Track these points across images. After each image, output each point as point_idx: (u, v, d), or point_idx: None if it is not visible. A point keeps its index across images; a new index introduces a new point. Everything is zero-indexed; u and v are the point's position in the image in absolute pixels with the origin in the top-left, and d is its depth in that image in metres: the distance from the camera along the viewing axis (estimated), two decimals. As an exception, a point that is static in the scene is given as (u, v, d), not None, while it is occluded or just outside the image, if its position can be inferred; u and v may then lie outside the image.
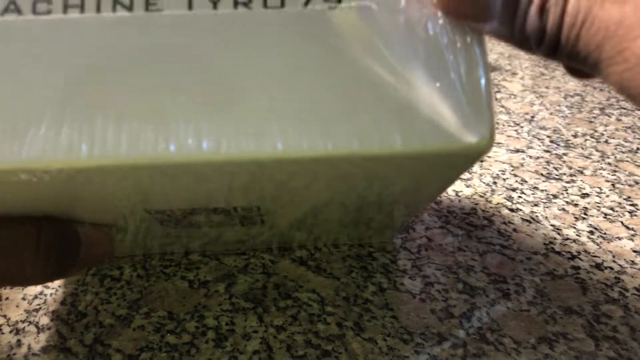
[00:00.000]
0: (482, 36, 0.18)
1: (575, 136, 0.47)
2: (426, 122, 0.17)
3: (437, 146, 0.17)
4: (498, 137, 0.46)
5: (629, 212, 0.37)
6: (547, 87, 0.60)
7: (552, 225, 0.35)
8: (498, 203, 0.37)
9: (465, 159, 0.18)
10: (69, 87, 0.17)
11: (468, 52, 0.17)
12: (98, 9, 0.18)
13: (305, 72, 0.17)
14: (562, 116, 0.51)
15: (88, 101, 0.17)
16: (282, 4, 0.18)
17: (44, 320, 0.28)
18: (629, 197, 0.38)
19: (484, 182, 0.39)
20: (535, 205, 0.37)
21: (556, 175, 0.41)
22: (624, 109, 0.54)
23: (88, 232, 0.23)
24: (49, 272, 0.22)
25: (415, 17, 0.17)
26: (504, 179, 0.40)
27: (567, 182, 0.40)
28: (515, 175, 0.40)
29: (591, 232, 0.34)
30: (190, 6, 0.18)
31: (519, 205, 0.37)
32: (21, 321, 0.28)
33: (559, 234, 0.34)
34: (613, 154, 0.44)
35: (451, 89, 0.17)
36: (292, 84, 0.17)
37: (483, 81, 0.17)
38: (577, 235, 0.34)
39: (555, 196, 0.38)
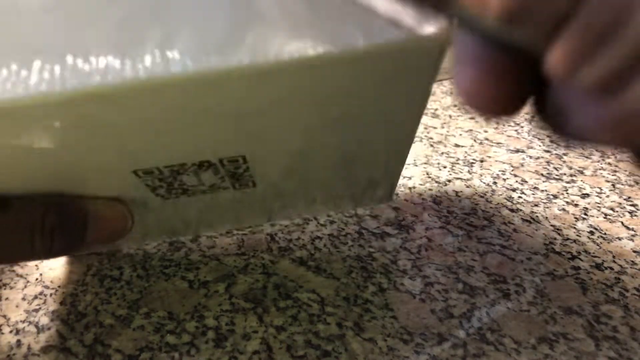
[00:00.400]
0: None
1: (575, 136, 0.47)
2: (385, 22, 0.17)
3: (397, 41, 0.17)
4: (498, 137, 0.46)
5: (629, 212, 0.37)
6: (547, 87, 0.59)
7: (552, 225, 0.35)
8: (498, 203, 0.37)
9: (425, 55, 0.18)
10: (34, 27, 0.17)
11: None
12: None
13: None
14: (562, 116, 0.51)
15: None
16: None
17: (44, 321, 0.28)
18: (629, 197, 0.38)
19: (484, 182, 0.39)
20: (536, 205, 0.37)
21: (556, 175, 0.41)
22: (624, 109, 0.54)
23: (98, 209, 0.24)
24: (56, 249, 0.23)
25: None
26: (504, 179, 0.40)
27: (567, 182, 0.40)
28: (516, 176, 0.40)
29: (591, 233, 0.34)
30: None
31: (519, 206, 0.37)
32: (21, 321, 0.28)
33: (559, 234, 0.34)
34: (613, 154, 0.44)
35: None
36: None
37: None
38: (577, 235, 0.34)
39: (555, 196, 0.38)
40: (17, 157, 0.20)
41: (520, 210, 0.36)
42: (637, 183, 0.40)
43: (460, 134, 0.46)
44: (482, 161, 0.42)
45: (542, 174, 0.41)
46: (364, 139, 0.25)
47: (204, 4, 0.18)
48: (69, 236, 0.23)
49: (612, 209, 0.37)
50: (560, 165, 0.42)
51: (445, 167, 0.41)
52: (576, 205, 0.37)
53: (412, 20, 0.17)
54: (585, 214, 0.36)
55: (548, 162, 0.42)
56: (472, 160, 0.42)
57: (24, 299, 0.29)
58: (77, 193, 0.23)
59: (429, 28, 0.17)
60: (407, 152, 0.28)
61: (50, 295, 0.29)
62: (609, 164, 0.43)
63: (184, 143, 0.21)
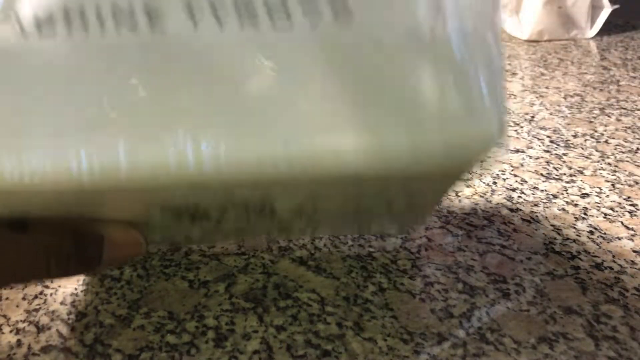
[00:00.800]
0: (499, 31, 0.18)
1: (575, 136, 0.47)
2: (433, 114, 0.17)
3: (441, 137, 0.17)
4: (498, 137, 0.46)
5: (629, 212, 0.37)
6: (547, 87, 0.60)
7: (552, 225, 0.35)
8: (498, 203, 0.37)
9: (476, 152, 0.19)
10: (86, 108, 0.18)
11: (484, 47, 0.17)
12: (102, 30, 0.18)
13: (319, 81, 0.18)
14: (562, 116, 0.51)
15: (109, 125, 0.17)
16: (291, 28, 0.18)
17: (44, 320, 0.28)
18: (629, 197, 0.38)
19: (484, 182, 0.39)
20: (535, 205, 0.37)
21: (556, 175, 0.41)
22: (624, 109, 0.54)
23: (113, 234, 0.24)
24: (71, 272, 0.24)
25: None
26: (504, 179, 0.40)
27: (567, 182, 0.40)
28: (515, 176, 0.40)
29: (591, 232, 0.34)
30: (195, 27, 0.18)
31: (518, 205, 0.37)
32: (21, 321, 0.28)
33: (558, 234, 0.34)
34: (613, 154, 0.44)
35: (466, 84, 0.17)
36: (308, 93, 0.18)
37: (498, 76, 0.17)
38: (577, 235, 0.34)
39: (555, 196, 0.38)
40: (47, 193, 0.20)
41: (520, 210, 0.36)
42: (636, 183, 0.40)
43: (460, 134, 0.46)
44: (482, 161, 0.42)
45: (541, 174, 0.41)
46: (391, 204, 0.25)
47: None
48: (84, 260, 0.24)
49: (611, 208, 0.37)
50: (560, 165, 0.42)
51: (445, 167, 0.41)
52: (576, 205, 0.37)
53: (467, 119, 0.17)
54: (585, 214, 0.36)
55: (548, 162, 0.43)
56: (471, 160, 0.42)
57: (24, 298, 0.29)
58: (93, 217, 0.23)
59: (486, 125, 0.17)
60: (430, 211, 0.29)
61: (51, 295, 0.29)
62: (609, 164, 0.43)
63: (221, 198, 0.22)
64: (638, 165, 0.42)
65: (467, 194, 0.38)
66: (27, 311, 0.28)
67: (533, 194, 0.38)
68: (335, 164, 0.18)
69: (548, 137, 0.47)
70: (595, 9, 0.80)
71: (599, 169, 0.42)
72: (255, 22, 0.18)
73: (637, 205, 0.37)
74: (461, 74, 0.17)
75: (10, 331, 0.27)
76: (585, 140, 0.47)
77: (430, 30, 0.17)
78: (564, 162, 0.43)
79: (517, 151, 0.44)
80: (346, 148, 0.17)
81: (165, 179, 0.18)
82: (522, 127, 0.48)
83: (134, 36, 0.18)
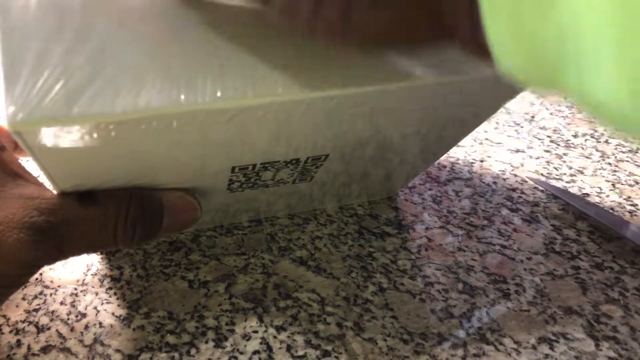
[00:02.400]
0: None
1: (575, 136, 0.47)
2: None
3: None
4: (498, 137, 0.46)
5: (629, 212, 0.37)
6: (547, 87, 0.59)
7: (552, 225, 0.35)
8: (498, 203, 0.37)
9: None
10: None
11: None
12: None
13: None
14: (562, 116, 0.50)
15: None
16: None
17: (44, 320, 0.28)
18: (629, 197, 0.38)
19: (484, 182, 0.39)
20: (536, 205, 0.37)
21: (556, 175, 0.41)
22: (624, 108, 0.54)
23: (172, 201, 0.26)
24: (136, 239, 0.25)
25: None
26: (504, 179, 0.40)
27: (568, 182, 0.40)
28: (516, 175, 0.40)
29: (591, 232, 0.34)
30: None
31: (519, 205, 0.37)
32: (21, 321, 0.28)
33: (559, 233, 0.34)
34: (613, 154, 0.44)
35: None
36: None
37: None
38: (577, 235, 0.34)
39: (555, 196, 0.38)
40: (116, 159, 0.22)
41: (520, 210, 0.36)
42: (637, 183, 0.40)
43: (460, 134, 0.46)
44: (482, 161, 0.42)
45: (542, 174, 0.41)
46: (421, 146, 0.28)
47: None
48: (148, 226, 0.25)
49: (612, 208, 0.37)
50: (560, 165, 0.42)
51: (445, 167, 0.41)
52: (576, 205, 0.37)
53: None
54: (585, 214, 0.36)
55: (548, 162, 0.42)
56: (472, 160, 0.42)
57: (24, 298, 0.29)
58: (153, 186, 0.25)
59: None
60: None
61: (50, 295, 0.29)
62: (609, 164, 0.43)
63: (290, 145, 0.24)
64: (638, 165, 0.42)
65: (467, 194, 0.38)
66: (27, 311, 0.28)
67: (533, 193, 0.38)
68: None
69: (548, 137, 0.47)
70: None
71: (599, 169, 0.42)
72: None
73: (637, 205, 0.37)
74: None
75: (10, 331, 0.27)
76: (586, 140, 0.47)
77: None
78: (564, 161, 0.43)
79: (518, 151, 0.44)
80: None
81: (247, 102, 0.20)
82: (522, 126, 0.48)
83: None
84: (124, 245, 0.25)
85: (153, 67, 0.19)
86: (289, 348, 0.26)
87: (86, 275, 0.30)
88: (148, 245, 0.33)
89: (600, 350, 0.26)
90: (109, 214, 0.24)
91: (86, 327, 0.27)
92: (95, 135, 0.19)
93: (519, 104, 0.53)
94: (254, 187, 0.29)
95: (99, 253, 0.32)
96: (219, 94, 0.19)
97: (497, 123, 0.48)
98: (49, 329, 0.27)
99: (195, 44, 0.20)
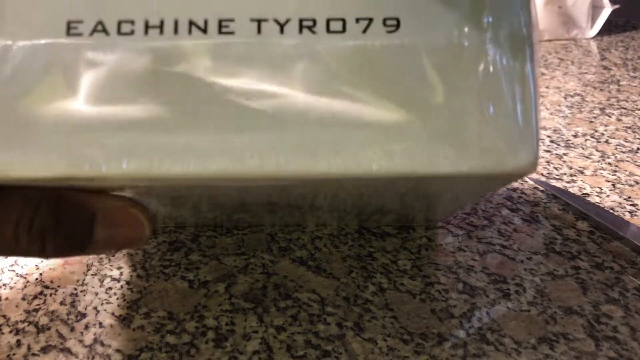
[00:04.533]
0: (534, 62, 0.18)
1: (575, 136, 0.47)
2: (477, 147, 0.18)
3: (485, 170, 0.18)
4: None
5: (630, 212, 0.37)
6: (547, 87, 0.59)
7: (552, 225, 0.35)
8: (498, 203, 0.37)
9: (510, 179, 0.20)
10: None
11: (521, 78, 0.18)
12: (175, 31, 0.18)
13: (361, 98, 0.18)
14: (562, 116, 0.51)
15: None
16: (344, 29, 0.18)
17: (44, 321, 0.28)
18: (630, 197, 0.38)
19: (484, 182, 0.39)
20: (536, 205, 0.37)
21: (556, 175, 0.41)
22: (624, 109, 0.54)
23: (109, 211, 0.21)
24: (51, 252, 0.20)
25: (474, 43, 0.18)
26: (504, 179, 0.40)
27: (568, 182, 0.40)
28: (516, 175, 0.40)
29: (591, 232, 0.34)
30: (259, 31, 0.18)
31: (519, 205, 0.37)
32: (21, 321, 0.28)
33: (559, 233, 0.34)
34: (613, 154, 0.44)
35: (504, 116, 0.18)
36: (348, 109, 0.18)
37: (534, 108, 0.18)
38: (577, 235, 0.34)
39: (555, 196, 0.38)
40: None
41: (521, 209, 0.36)
42: (637, 183, 0.40)
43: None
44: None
45: (542, 174, 0.41)
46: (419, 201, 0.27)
47: None
48: (67, 239, 0.20)
49: (612, 208, 0.37)
50: (561, 165, 0.42)
51: (445, 167, 0.41)
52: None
53: (504, 150, 0.18)
54: (586, 214, 0.36)
55: (548, 162, 0.42)
56: (472, 160, 0.42)
57: (23, 298, 0.29)
58: (86, 187, 0.21)
59: (519, 162, 0.18)
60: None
61: (50, 295, 0.29)
62: (609, 164, 0.43)
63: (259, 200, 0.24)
64: (638, 165, 0.42)
65: (468, 194, 0.38)
66: (27, 311, 0.28)
67: (533, 193, 0.38)
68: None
69: (548, 137, 0.47)
70: (595, 8, 0.79)
71: (600, 169, 0.42)
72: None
73: (637, 205, 0.37)
74: (502, 104, 0.18)
75: (10, 331, 0.27)
76: (586, 140, 0.47)
77: (476, 48, 0.18)
78: (565, 161, 0.43)
79: (518, 151, 0.44)
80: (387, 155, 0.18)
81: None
82: (522, 127, 0.48)
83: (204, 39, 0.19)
84: (39, 256, 0.21)
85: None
86: (289, 348, 0.26)
87: (86, 275, 0.30)
88: (147, 245, 0.33)
89: (601, 350, 0.26)
90: (8, 216, 0.19)
91: (86, 327, 0.27)
92: None
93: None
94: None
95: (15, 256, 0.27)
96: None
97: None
98: (48, 329, 0.27)
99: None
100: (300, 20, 0.18)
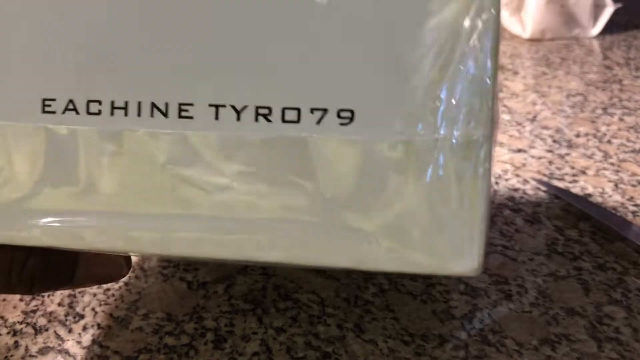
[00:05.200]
0: (490, 161, 0.18)
1: (577, 136, 0.47)
2: (420, 248, 0.18)
3: (427, 271, 0.18)
4: (500, 137, 0.46)
5: (632, 212, 0.36)
6: (549, 87, 0.59)
7: (554, 225, 0.35)
8: (500, 203, 0.37)
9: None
10: None
11: (472, 181, 0.18)
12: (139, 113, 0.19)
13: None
14: (564, 116, 0.50)
15: None
16: (298, 120, 0.18)
17: (42, 322, 0.28)
18: (632, 198, 0.38)
19: (485, 182, 0.39)
20: (538, 205, 0.37)
21: (558, 175, 0.41)
22: (627, 108, 0.54)
23: (91, 254, 0.23)
24: (36, 290, 0.22)
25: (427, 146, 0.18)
26: (506, 179, 0.40)
27: (570, 182, 0.40)
28: (517, 176, 0.40)
29: (594, 233, 0.34)
30: None
31: (521, 206, 0.37)
32: (18, 322, 0.28)
33: (561, 234, 0.34)
34: (616, 154, 0.44)
35: (451, 220, 0.18)
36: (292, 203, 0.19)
37: (483, 212, 0.18)
38: (579, 235, 0.34)
39: (557, 197, 0.38)
40: None
41: (522, 210, 0.36)
42: (639, 183, 0.40)
43: (462, 134, 0.46)
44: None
45: (544, 174, 0.41)
46: None
47: None
48: (51, 278, 0.22)
49: (614, 209, 0.37)
50: (563, 165, 0.42)
51: (446, 167, 0.41)
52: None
53: (447, 254, 0.18)
54: (588, 214, 0.36)
55: (550, 162, 0.42)
56: (473, 160, 0.42)
57: (21, 299, 0.29)
58: None
59: (461, 267, 0.18)
60: None
61: (48, 296, 0.29)
62: (612, 164, 0.42)
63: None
64: (641, 165, 0.42)
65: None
66: (25, 312, 0.28)
67: (535, 194, 0.38)
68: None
69: (550, 136, 0.46)
70: (597, 7, 0.79)
71: (602, 169, 0.42)
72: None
73: (639, 205, 0.37)
74: (450, 207, 0.18)
75: (8, 332, 0.27)
76: (588, 139, 0.46)
77: (427, 147, 0.18)
78: (567, 162, 0.43)
79: (519, 151, 0.44)
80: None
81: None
82: (524, 126, 0.48)
83: None
84: (22, 293, 0.22)
85: None
86: (288, 350, 0.26)
87: (85, 276, 0.30)
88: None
89: (603, 351, 0.26)
90: (1, 260, 0.21)
91: (84, 328, 0.27)
92: None
93: (521, 104, 0.52)
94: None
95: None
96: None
97: (499, 123, 0.48)
98: (46, 330, 0.27)
99: None
100: (257, 108, 0.18)
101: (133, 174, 0.19)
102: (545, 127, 0.48)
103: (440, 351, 0.26)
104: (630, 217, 0.36)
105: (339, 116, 0.18)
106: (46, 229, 0.19)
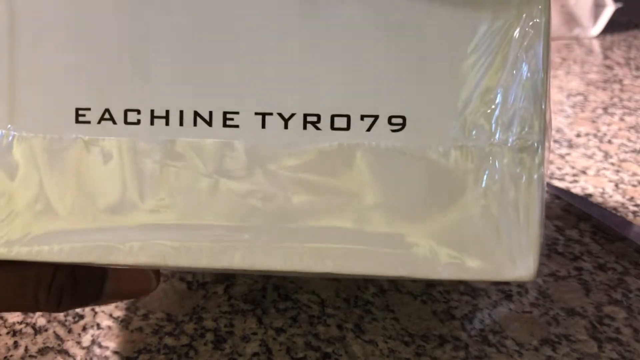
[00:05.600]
0: (544, 166, 0.18)
1: (578, 136, 0.47)
2: (477, 255, 0.18)
3: (484, 277, 0.18)
4: (500, 137, 0.46)
5: (633, 212, 0.36)
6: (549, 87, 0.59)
7: (555, 225, 0.35)
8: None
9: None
10: None
11: (528, 186, 0.17)
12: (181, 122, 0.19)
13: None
14: (565, 116, 0.50)
15: None
16: (348, 126, 0.18)
17: (41, 322, 0.28)
18: (633, 198, 0.38)
19: (485, 182, 0.39)
20: (538, 205, 0.37)
21: (559, 175, 0.41)
22: (627, 108, 0.53)
23: (119, 269, 0.22)
24: (64, 306, 0.22)
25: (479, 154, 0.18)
26: (506, 179, 0.40)
27: (570, 183, 0.40)
28: (518, 175, 0.40)
29: (594, 233, 0.34)
30: None
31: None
32: (18, 322, 0.27)
33: (561, 234, 0.34)
34: (616, 154, 0.44)
35: (507, 225, 0.18)
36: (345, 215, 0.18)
37: (539, 218, 0.18)
38: (580, 236, 0.34)
39: (557, 197, 0.38)
40: None
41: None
42: (640, 183, 0.40)
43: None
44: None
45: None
46: None
47: None
48: (79, 294, 0.22)
49: (615, 209, 0.37)
50: (563, 165, 0.42)
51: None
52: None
53: (504, 260, 0.18)
54: (588, 215, 0.36)
55: (551, 162, 0.42)
56: (473, 160, 0.42)
57: (21, 300, 0.29)
58: None
59: (518, 274, 0.18)
60: None
61: (48, 296, 0.29)
62: (612, 164, 0.42)
63: None
64: (641, 165, 0.42)
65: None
66: (24, 312, 0.28)
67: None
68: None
69: (551, 136, 0.46)
70: (598, 7, 0.79)
71: (602, 169, 0.42)
72: None
73: (640, 205, 0.37)
74: (506, 212, 0.18)
75: (7, 333, 0.27)
76: (589, 140, 0.46)
77: (482, 151, 0.18)
78: (567, 162, 0.43)
79: (520, 151, 0.44)
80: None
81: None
82: (524, 126, 0.48)
83: None
84: (50, 311, 0.23)
85: None
86: (288, 350, 0.26)
87: (84, 276, 0.30)
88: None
89: (603, 352, 0.26)
90: (28, 277, 0.21)
91: (84, 328, 0.27)
92: None
93: (521, 104, 0.52)
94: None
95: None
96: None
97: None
98: (46, 330, 0.27)
99: None
100: (305, 116, 0.18)
101: (177, 185, 0.18)
102: (546, 127, 0.48)
103: (440, 352, 0.26)
104: (630, 217, 0.36)
105: (390, 122, 0.18)
106: (76, 246, 0.19)
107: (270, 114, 0.18)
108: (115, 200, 0.19)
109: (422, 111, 0.18)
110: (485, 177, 0.17)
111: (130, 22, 0.18)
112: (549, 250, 0.32)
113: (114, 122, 0.18)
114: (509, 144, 0.17)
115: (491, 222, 0.17)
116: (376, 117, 0.18)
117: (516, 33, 0.17)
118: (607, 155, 0.44)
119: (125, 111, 0.18)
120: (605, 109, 0.53)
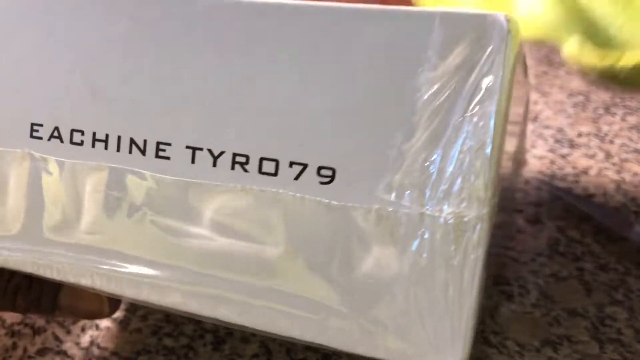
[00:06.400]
0: (483, 255, 0.16)
1: (579, 136, 0.47)
2: (395, 337, 0.16)
3: (402, 358, 0.17)
4: (501, 137, 0.46)
5: (634, 213, 0.36)
6: (550, 86, 0.59)
7: (556, 226, 0.35)
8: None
9: None
10: None
11: (461, 268, 0.16)
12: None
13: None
14: (566, 115, 0.50)
15: None
16: (276, 173, 0.17)
17: (40, 323, 0.27)
18: (634, 198, 0.38)
19: (486, 183, 0.39)
20: (539, 205, 0.37)
21: (560, 175, 0.40)
22: (629, 108, 0.53)
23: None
24: (20, 309, 0.23)
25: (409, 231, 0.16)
26: (507, 179, 0.40)
27: (572, 183, 0.40)
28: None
29: (596, 233, 0.34)
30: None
31: (522, 206, 0.36)
32: (17, 323, 0.27)
33: (563, 235, 0.34)
34: (617, 154, 0.44)
35: (432, 310, 0.16)
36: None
37: (470, 307, 0.16)
38: (581, 236, 0.34)
39: (559, 197, 0.37)
40: None
41: (524, 210, 0.36)
42: (642, 183, 0.40)
43: (463, 134, 0.46)
44: None
45: (545, 174, 0.40)
46: None
47: None
48: (34, 300, 0.23)
49: (616, 209, 0.37)
50: (564, 165, 0.42)
51: (447, 167, 0.41)
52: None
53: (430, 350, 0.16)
54: (590, 215, 0.35)
55: (552, 162, 0.42)
56: (474, 160, 0.41)
57: (20, 300, 0.29)
58: None
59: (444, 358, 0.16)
60: None
61: (47, 297, 0.29)
62: (614, 164, 0.42)
63: None
64: (643, 165, 0.42)
65: (470, 194, 0.37)
66: None
67: (537, 194, 0.38)
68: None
69: (552, 136, 0.46)
70: (599, 7, 0.79)
71: (604, 169, 0.41)
72: None
73: (642, 205, 0.37)
74: (432, 295, 0.16)
75: (6, 334, 0.27)
76: (590, 139, 0.46)
77: (413, 221, 0.16)
78: (568, 162, 0.42)
79: (521, 151, 0.44)
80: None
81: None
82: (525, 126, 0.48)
83: None
84: (8, 309, 0.23)
85: None
86: (288, 351, 0.26)
87: (84, 276, 0.30)
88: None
89: (605, 353, 0.26)
90: None
91: (82, 329, 0.27)
92: None
93: (522, 104, 0.52)
94: None
95: None
96: None
97: (500, 123, 0.47)
98: (45, 331, 0.27)
99: None
100: (234, 155, 0.17)
101: (107, 212, 0.18)
102: (547, 127, 0.48)
103: (440, 352, 0.26)
104: (632, 217, 0.36)
105: (319, 174, 0.16)
106: (17, 255, 0.19)
107: (201, 149, 0.17)
108: (57, 218, 0.19)
109: (353, 165, 0.16)
110: (412, 249, 0.16)
111: (83, 42, 0.19)
112: (550, 250, 0.32)
113: (62, 141, 0.19)
114: (442, 218, 0.15)
115: (415, 303, 0.16)
116: (305, 166, 0.17)
117: (464, 88, 0.15)
118: (608, 155, 0.43)
119: (72, 131, 0.19)
120: (606, 109, 0.53)
